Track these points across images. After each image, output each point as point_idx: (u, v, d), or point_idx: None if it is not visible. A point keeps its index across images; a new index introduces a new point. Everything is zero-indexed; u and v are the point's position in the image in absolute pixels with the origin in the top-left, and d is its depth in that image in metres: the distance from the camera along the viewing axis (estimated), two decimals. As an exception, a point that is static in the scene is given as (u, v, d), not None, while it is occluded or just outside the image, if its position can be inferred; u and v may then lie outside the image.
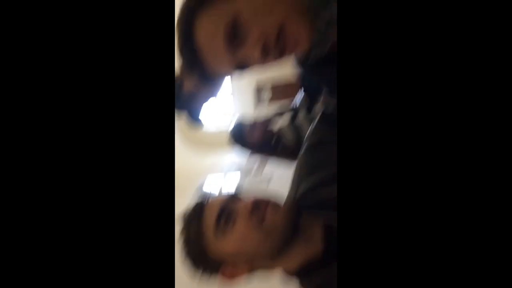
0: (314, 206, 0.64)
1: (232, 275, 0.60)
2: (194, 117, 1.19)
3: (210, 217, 0.58)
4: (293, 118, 1.39)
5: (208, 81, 0.62)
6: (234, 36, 0.52)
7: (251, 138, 1.42)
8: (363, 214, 0.35)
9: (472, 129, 0.33)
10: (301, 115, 1.37)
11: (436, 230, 0.33)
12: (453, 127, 0.33)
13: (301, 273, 0.60)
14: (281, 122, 1.43)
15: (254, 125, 1.41)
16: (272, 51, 0.52)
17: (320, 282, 0.58)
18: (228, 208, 0.58)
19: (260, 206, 0.57)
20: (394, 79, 0.35)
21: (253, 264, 0.60)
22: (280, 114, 1.51)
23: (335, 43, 0.62)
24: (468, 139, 0.33)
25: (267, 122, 1.44)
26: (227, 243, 0.57)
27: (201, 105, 1.19)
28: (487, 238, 0.32)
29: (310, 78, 0.79)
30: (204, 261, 0.60)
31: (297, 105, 1.48)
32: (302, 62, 0.72)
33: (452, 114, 0.33)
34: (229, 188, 3.71)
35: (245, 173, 4.08)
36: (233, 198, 0.61)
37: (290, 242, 0.56)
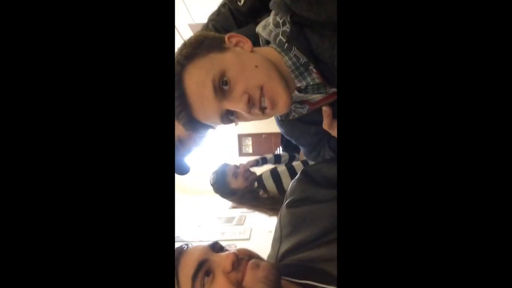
0: (294, 273, 0.62)
1: None
2: (179, 165, 1.21)
3: (187, 268, 0.56)
4: (274, 168, 1.42)
5: (194, 128, 0.64)
6: (221, 88, 0.56)
7: (233, 185, 1.43)
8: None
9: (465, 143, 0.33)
10: (281, 167, 1.40)
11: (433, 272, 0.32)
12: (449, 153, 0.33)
13: None
14: (263, 170, 1.45)
15: (235, 173, 1.43)
16: (255, 106, 0.56)
17: None
18: (207, 261, 0.56)
19: (241, 263, 0.54)
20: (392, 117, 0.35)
21: None
22: (261, 162, 1.54)
23: (313, 105, 0.68)
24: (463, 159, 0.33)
25: (248, 170, 1.45)
26: None
27: (186, 153, 1.22)
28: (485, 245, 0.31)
29: (290, 135, 0.82)
30: None
31: (278, 158, 1.52)
32: (283, 120, 0.76)
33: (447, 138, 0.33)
34: (209, 237, 3.60)
35: (226, 222, 4.01)
36: (213, 250, 0.59)
37: None
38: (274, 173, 1.38)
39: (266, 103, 0.57)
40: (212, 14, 0.83)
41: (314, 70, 0.60)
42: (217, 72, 0.55)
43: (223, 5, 0.93)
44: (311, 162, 0.91)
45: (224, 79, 0.56)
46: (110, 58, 0.38)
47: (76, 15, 0.38)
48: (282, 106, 0.58)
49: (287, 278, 0.58)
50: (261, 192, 1.40)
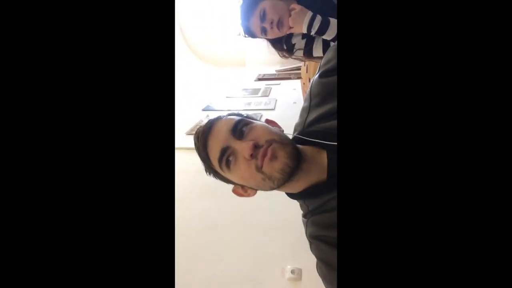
0: (320, 136, 0.64)
1: (241, 194, 0.68)
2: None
3: (213, 152, 0.62)
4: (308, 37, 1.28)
5: None
6: None
7: (265, 32, 1.24)
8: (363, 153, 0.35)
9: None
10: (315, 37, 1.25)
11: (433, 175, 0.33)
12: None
13: (303, 195, 0.64)
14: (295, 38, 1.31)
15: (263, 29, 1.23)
16: None
17: (319, 203, 0.62)
18: (229, 148, 0.60)
19: (259, 152, 0.57)
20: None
21: (258, 189, 0.65)
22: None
23: None
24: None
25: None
26: (232, 176, 0.62)
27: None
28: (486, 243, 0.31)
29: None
30: (217, 174, 0.66)
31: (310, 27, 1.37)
32: None
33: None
34: (236, 107, 3.77)
35: (252, 93, 4.15)
36: (234, 135, 0.61)
37: (291, 179, 0.59)
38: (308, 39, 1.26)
39: None
40: None
41: None
42: None
43: None
44: None
45: None
46: (110, 53, 0.38)
47: (74, 9, 0.37)
48: None
49: (310, 139, 0.64)
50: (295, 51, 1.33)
